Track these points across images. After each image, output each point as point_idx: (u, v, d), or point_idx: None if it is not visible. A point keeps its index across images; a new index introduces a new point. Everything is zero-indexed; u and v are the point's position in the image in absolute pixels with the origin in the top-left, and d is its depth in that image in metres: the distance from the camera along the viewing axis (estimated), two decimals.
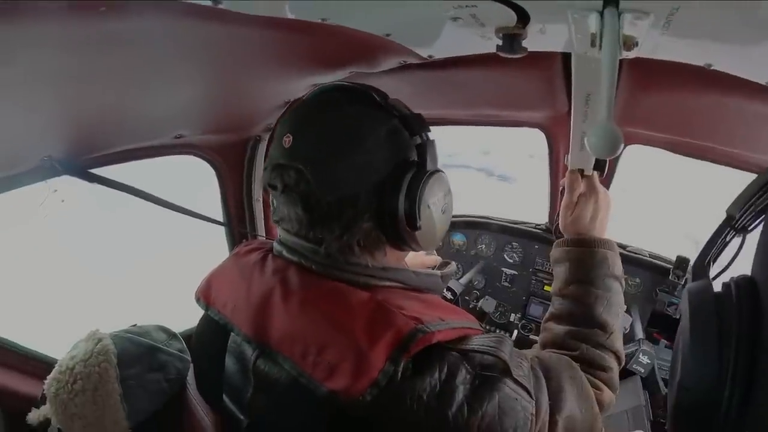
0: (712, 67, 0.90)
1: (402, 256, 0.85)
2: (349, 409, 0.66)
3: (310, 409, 0.70)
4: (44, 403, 0.95)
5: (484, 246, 2.19)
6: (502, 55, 0.80)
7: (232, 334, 0.82)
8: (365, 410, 0.65)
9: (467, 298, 2.12)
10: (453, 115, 1.67)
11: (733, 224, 0.50)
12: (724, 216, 0.56)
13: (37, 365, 1.14)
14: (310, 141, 0.74)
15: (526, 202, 2.27)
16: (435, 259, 1.12)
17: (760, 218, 0.47)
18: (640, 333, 1.70)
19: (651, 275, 1.86)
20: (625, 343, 1.00)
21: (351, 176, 0.73)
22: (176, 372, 1.01)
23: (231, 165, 1.40)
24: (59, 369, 0.94)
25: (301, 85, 1.05)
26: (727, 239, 0.51)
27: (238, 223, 1.48)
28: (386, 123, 0.75)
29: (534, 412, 0.72)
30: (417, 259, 1.07)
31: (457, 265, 2.19)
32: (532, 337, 2.04)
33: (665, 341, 1.83)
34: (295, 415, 0.72)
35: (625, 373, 1.63)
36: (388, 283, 0.79)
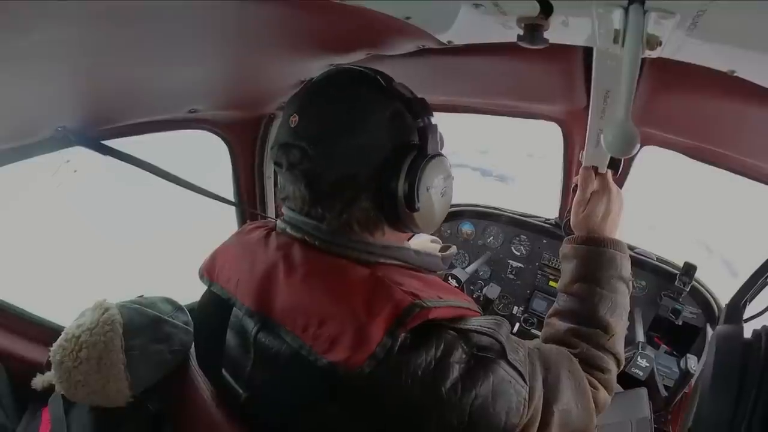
0: (735, 74, 0.89)
1: (403, 237, 0.87)
2: (348, 381, 0.68)
3: (310, 381, 0.72)
4: (49, 370, 0.98)
5: (492, 237, 2.19)
6: (522, 45, 0.79)
7: (234, 308, 0.84)
8: (363, 382, 0.68)
9: (472, 287, 2.12)
10: (469, 102, 1.66)
11: None
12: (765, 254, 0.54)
13: (44, 332, 1.16)
14: (313, 121, 0.76)
15: (525, 202, 2.27)
16: (438, 244, 1.14)
17: None
18: (641, 336, 1.70)
19: (657, 279, 1.85)
20: (624, 346, 1.00)
21: (352, 156, 0.75)
22: (180, 344, 1.03)
23: (244, 142, 1.39)
24: (65, 337, 0.96)
25: (317, 65, 1.04)
26: None
27: (248, 200, 1.48)
28: (389, 105, 0.77)
29: (527, 398, 0.73)
30: (420, 243, 1.09)
31: (463, 254, 2.20)
32: (533, 331, 2.04)
33: (665, 346, 1.82)
34: (295, 388, 0.74)
35: (630, 382, 1.63)
36: (388, 261, 0.81)
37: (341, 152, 0.75)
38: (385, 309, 0.68)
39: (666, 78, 1.10)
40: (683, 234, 5.28)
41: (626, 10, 0.63)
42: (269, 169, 1.52)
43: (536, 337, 1.04)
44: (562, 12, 0.75)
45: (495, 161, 7.89)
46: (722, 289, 1.72)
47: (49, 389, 1.01)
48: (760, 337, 0.39)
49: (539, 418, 0.76)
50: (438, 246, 1.12)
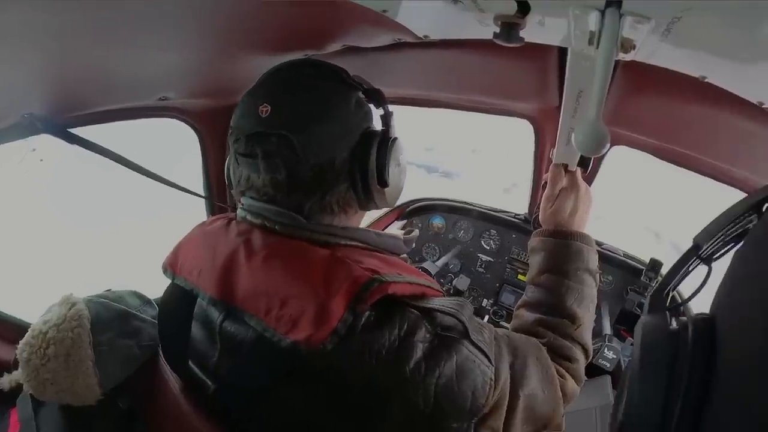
0: (706, 80, 0.92)
1: (359, 221, 0.91)
2: (311, 361, 0.69)
3: (274, 364, 0.72)
4: (16, 368, 0.94)
5: (462, 231, 2.22)
6: (498, 43, 0.80)
7: (198, 299, 0.84)
8: (326, 360, 0.68)
9: (442, 280, 2.15)
10: (443, 97, 1.67)
11: (700, 253, 0.48)
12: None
13: (9, 329, 1.11)
14: (290, 110, 0.78)
15: (469, 197, 2.31)
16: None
17: (728, 247, 0.46)
18: (608, 329, 1.75)
19: (623, 274, 1.91)
20: (592, 338, 1.03)
21: (330, 142, 0.78)
22: (149, 338, 1.01)
23: (214, 131, 1.36)
24: (32, 333, 0.92)
25: (292, 55, 1.03)
26: (690, 269, 0.49)
27: (218, 192, 1.44)
28: (354, 95, 0.82)
29: (493, 378, 0.75)
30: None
31: (434, 248, 2.24)
32: (502, 323, 2.08)
33: (632, 339, 1.88)
34: (260, 372, 0.74)
35: (594, 371, 1.68)
36: (349, 242, 0.83)
37: (320, 138, 0.78)
38: (344, 285, 0.70)
39: (638, 81, 1.14)
40: (631, 223, 5.49)
41: (602, 13, 0.65)
42: None
43: (506, 330, 1.07)
44: (539, 12, 0.76)
45: (440, 158, 8.00)
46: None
47: (17, 389, 0.97)
48: (686, 326, 0.39)
49: (506, 403, 0.78)
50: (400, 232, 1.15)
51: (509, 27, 0.78)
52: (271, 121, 0.77)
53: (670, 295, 0.47)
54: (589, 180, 1.71)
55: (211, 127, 1.35)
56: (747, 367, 0.33)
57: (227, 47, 0.99)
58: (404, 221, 2.29)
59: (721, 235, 0.46)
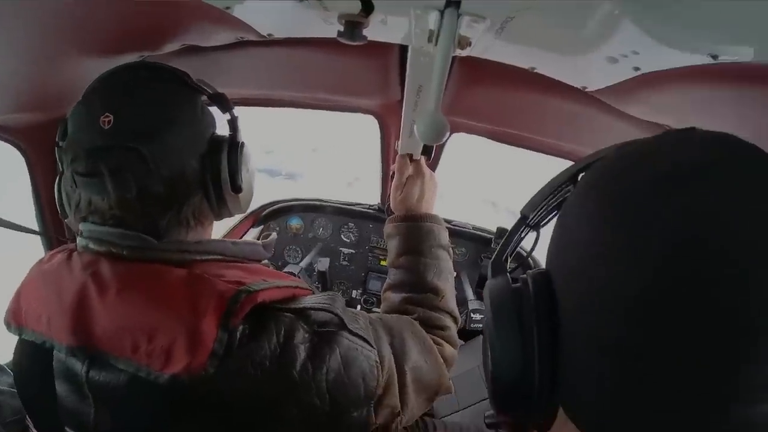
0: (535, 70, 1.03)
1: (211, 232, 0.88)
2: (195, 390, 0.64)
3: (157, 404, 0.66)
4: None
5: (321, 228, 2.23)
6: (341, 41, 0.81)
7: (54, 352, 0.71)
8: (210, 386, 0.65)
9: (309, 279, 2.13)
10: (288, 96, 1.64)
11: (528, 222, 0.54)
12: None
13: None
14: (135, 118, 0.71)
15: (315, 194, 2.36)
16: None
17: (552, 215, 0.53)
18: (470, 295, 1.93)
19: (475, 245, 2.11)
20: (459, 305, 1.12)
21: (180, 151, 0.74)
22: (12, 412, 0.83)
23: (44, 150, 1.13)
24: None
25: (126, 57, 0.91)
26: (522, 236, 0.55)
27: (54, 221, 1.20)
28: (198, 100, 0.79)
29: (378, 360, 0.78)
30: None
31: (296, 249, 2.21)
32: (374, 310, 2.15)
33: None
34: (143, 416, 0.67)
35: (470, 334, 1.84)
36: (206, 257, 0.78)
37: (171, 148, 0.73)
38: (210, 303, 0.66)
39: (473, 74, 1.24)
40: (470, 197, 6.18)
41: (442, 13, 0.70)
42: None
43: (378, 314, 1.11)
44: (382, 11, 0.79)
45: (282, 160, 8.00)
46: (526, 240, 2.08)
47: None
48: (526, 281, 0.45)
49: (396, 380, 0.82)
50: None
51: (353, 26, 0.80)
52: (116, 133, 0.70)
53: (509, 259, 0.54)
54: (433, 166, 1.86)
55: (40, 146, 1.13)
56: (579, 307, 0.40)
57: (52, 50, 0.85)
58: (261, 227, 2.22)
59: (545, 204, 0.53)
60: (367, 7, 0.76)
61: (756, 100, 0.71)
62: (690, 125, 0.42)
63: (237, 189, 0.82)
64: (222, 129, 0.85)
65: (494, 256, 0.53)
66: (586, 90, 1.03)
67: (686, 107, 0.87)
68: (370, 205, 2.22)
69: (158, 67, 0.79)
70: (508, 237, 0.54)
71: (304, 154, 8.34)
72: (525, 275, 0.47)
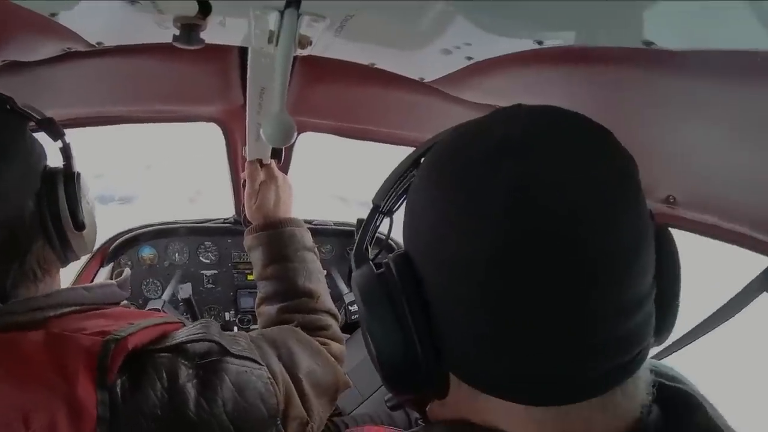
0: (375, 66, 1.08)
1: (58, 281, 0.80)
2: None
3: None
4: None
5: (177, 253, 2.07)
6: (178, 45, 0.78)
7: None
8: None
9: (176, 312, 1.97)
10: (117, 112, 1.48)
11: (381, 210, 0.57)
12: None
13: None
14: None
15: (154, 215, 2.23)
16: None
17: (401, 200, 0.56)
18: (344, 289, 1.96)
19: (339, 240, 2.15)
20: (335, 301, 1.14)
21: (14, 191, 0.66)
22: None
23: None
24: None
25: None
26: (378, 224, 0.58)
27: None
28: (25, 128, 0.72)
29: (270, 376, 0.77)
30: None
31: (154, 282, 2.02)
32: (252, 327, 2.08)
33: None
34: None
35: (355, 326, 1.87)
36: (59, 311, 0.70)
37: (5, 189, 0.65)
38: (79, 364, 0.61)
39: (315, 72, 1.26)
40: (319, 195, 6.26)
41: (282, 13, 0.71)
42: None
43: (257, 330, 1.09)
44: (221, 12, 0.77)
45: (113, 183, 7.24)
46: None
47: None
48: (388, 265, 0.48)
49: (294, 391, 0.82)
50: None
51: (190, 28, 0.77)
52: None
53: (369, 248, 0.57)
54: (285, 169, 1.83)
55: None
56: (440, 276, 0.44)
57: None
58: (111, 264, 1.97)
59: (393, 191, 0.56)
60: (205, 9, 0.73)
61: (580, 77, 0.81)
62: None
63: (80, 226, 0.75)
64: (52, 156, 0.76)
65: (354, 247, 0.56)
66: (424, 81, 1.10)
67: (518, 89, 0.96)
68: (224, 219, 2.10)
69: None
70: (365, 227, 0.57)
71: (137, 173, 7.49)
72: (387, 260, 0.49)
